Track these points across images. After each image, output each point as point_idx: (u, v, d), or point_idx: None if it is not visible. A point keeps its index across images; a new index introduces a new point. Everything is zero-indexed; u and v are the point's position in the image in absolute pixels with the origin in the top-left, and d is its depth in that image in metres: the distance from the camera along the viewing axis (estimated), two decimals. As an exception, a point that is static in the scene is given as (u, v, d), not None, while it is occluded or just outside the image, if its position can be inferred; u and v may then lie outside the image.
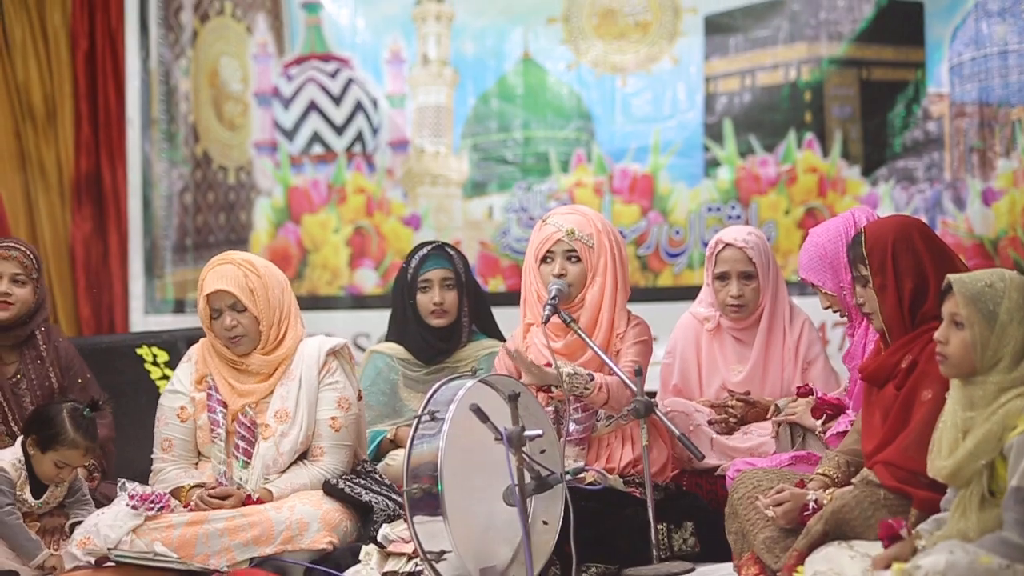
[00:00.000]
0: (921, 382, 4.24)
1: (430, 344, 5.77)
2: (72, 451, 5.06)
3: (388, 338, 5.94)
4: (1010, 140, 7.21)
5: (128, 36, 8.51)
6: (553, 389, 5.15)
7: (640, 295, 7.38)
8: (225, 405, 5.25)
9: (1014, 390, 3.79)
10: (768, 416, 5.31)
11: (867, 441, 4.40)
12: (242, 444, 5.21)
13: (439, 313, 5.73)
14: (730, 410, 5.40)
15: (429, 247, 5.83)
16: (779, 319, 5.53)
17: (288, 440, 5.20)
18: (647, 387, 5.07)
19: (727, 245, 5.50)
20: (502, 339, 5.82)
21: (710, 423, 5.38)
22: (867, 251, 4.38)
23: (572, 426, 5.27)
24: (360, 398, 5.38)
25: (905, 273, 4.33)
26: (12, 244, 5.59)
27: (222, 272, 5.25)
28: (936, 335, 3.91)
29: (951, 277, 3.90)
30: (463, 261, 5.83)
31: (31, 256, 5.56)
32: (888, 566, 3.86)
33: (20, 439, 5.16)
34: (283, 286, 5.34)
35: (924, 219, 7.07)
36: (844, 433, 4.79)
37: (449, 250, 5.84)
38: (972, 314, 3.83)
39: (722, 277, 5.54)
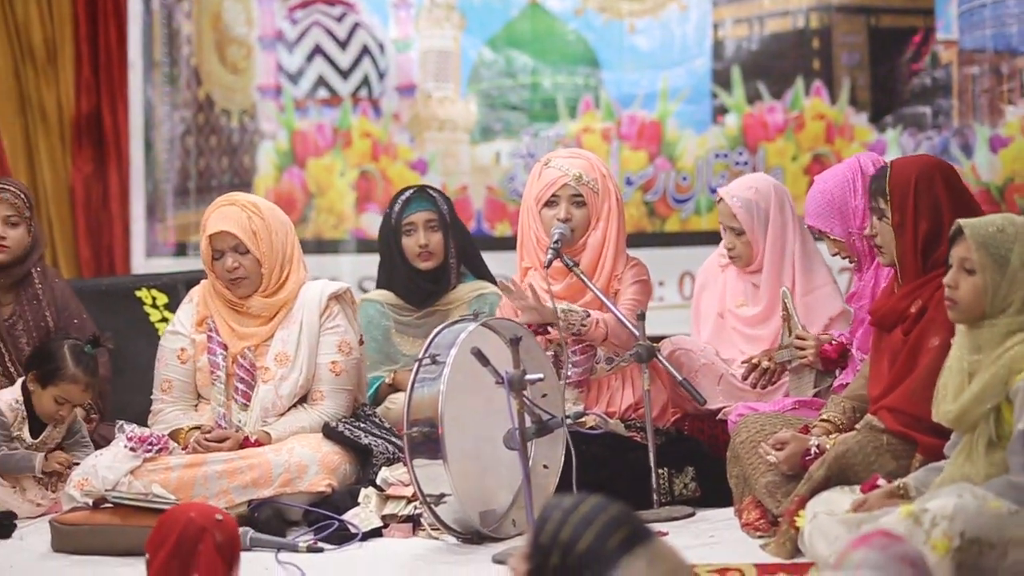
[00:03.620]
0: (929, 328, 4.22)
1: (419, 287, 5.74)
2: (72, 386, 5.07)
3: (378, 285, 5.92)
4: (1019, 87, 7.17)
5: (130, -23, 8.46)
6: (549, 330, 5.11)
7: (647, 240, 7.39)
8: (225, 347, 5.23)
9: (1021, 334, 3.75)
10: (772, 360, 5.26)
11: (873, 386, 4.38)
12: (241, 387, 5.18)
13: (425, 255, 5.69)
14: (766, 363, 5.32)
15: (411, 190, 5.80)
16: (785, 270, 5.46)
17: (288, 383, 5.18)
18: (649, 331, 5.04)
19: (720, 199, 5.47)
20: (492, 280, 5.79)
21: (744, 378, 5.32)
22: (890, 186, 4.35)
23: (571, 369, 5.24)
24: (361, 343, 5.35)
25: (923, 214, 4.30)
26: (2, 185, 5.55)
27: (225, 213, 5.22)
28: (946, 280, 3.86)
29: (961, 222, 3.85)
30: (447, 202, 5.80)
31: (22, 195, 5.52)
32: (864, 508, 3.85)
33: (21, 380, 5.16)
34: (287, 229, 5.31)
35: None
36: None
37: (432, 192, 5.81)
38: (983, 259, 3.78)
39: (722, 227, 5.53)
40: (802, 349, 5.09)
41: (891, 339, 4.37)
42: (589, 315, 5.13)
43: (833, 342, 5.02)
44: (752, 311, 5.49)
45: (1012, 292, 3.77)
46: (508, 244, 6.67)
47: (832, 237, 4.98)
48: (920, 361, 4.21)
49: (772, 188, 5.48)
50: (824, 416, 4.56)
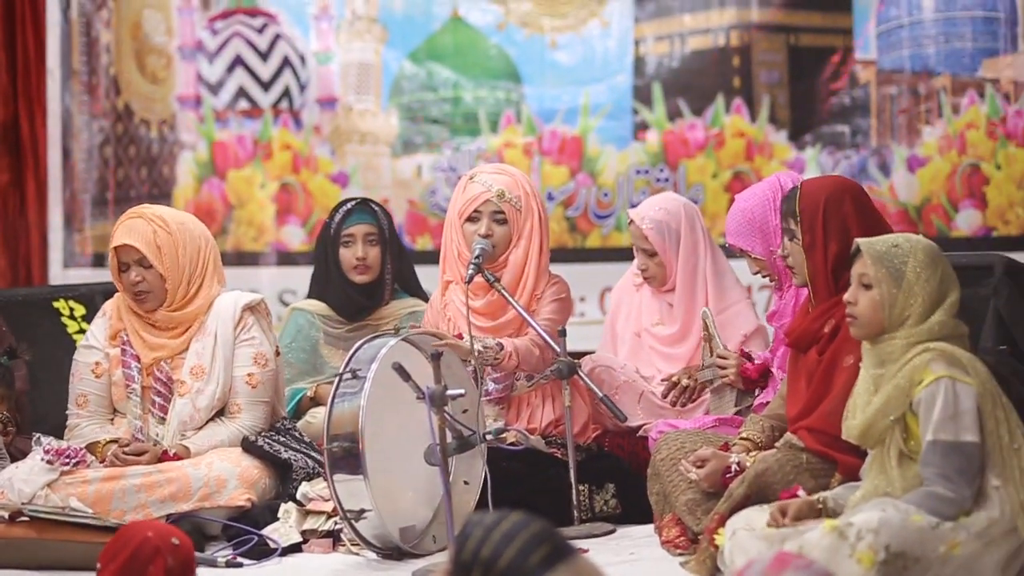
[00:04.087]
0: (843, 348, 4.26)
1: (352, 300, 5.72)
2: (-13, 399, 5.01)
3: (310, 295, 5.88)
4: (936, 108, 7.25)
5: (48, -14, 8.38)
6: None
7: (568, 256, 7.41)
8: (139, 360, 5.18)
9: (920, 345, 3.86)
10: (693, 378, 5.28)
11: (791, 406, 4.41)
12: (158, 400, 5.14)
13: (362, 269, 5.67)
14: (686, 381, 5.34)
15: (353, 202, 5.77)
16: (698, 289, 5.49)
17: (204, 396, 5.14)
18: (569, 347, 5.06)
19: (631, 221, 5.50)
20: (425, 298, 5.78)
21: (664, 396, 5.34)
22: (800, 208, 4.39)
23: (491, 385, 5.25)
24: (278, 354, 5.32)
25: (832, 235, 4.34)
26: None
27: (131, 226, 5.17)
28: (846, 296, 3.98)
29: (859, 240, 3.98)
30: (388, 218, 5.78)
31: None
32: (781, 524, 3.89)
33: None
34: (199, 244, 5.24)
35: (850, 185, 7.18)
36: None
37: (374, 206, 5.78)
38: (879, 273, 3.90)
39: (635, 249, 5.55)
40: (723, 368, 5.12)
41: (807, 359, 4.41)
42: (502, 347, 5.14)
43: (755, 361, 5.06)
44: (668, 330, 5.52)
45: (909, 305, 3.88)
46: (429, 258, 6.67)
47: (753, 256, 5.01)
48: (836, 380, 4.25)
49: (682, 208, 5.52)
50: (743, 435, 4.58)
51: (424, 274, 5.99)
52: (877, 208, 4.56)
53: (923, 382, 3.80)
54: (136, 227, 5.16)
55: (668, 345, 5.52)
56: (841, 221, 4.35)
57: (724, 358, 5.13)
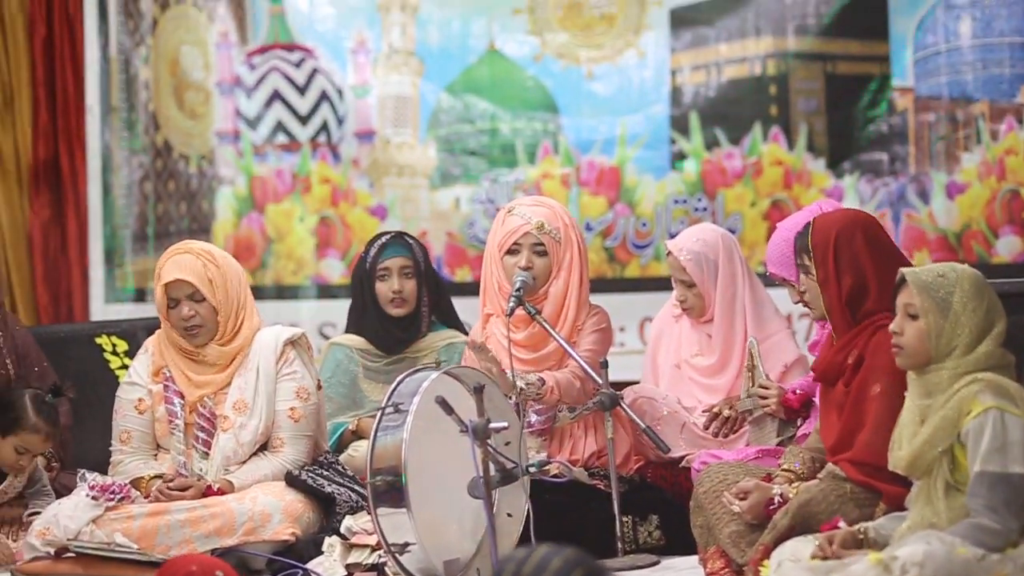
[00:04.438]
0: (869, 377, 4.26)
1: (390, 333, 5.73)
2: (33, 436, 5.03)
3: (347, 329, 5.89)
4: (975, 134, 7.23)
5: (87, 23, 8.42)
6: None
7: (607, 286, 7.40)
8: (182, 396, 5.21)
9: (968, 376, 3.83)
10: (734, 409, 5.28)
11: (826, 438, 4.42)
12: (201, 435, 5.16)
13: (398, 302, 5.69)
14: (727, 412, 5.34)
15: (388, 236, 5.79)
16: (737, 319, 5.48)
17: (247, 431, 5.16)
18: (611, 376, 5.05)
19: (669, 252, 5.50)
20: (462, 330, 5.80)
21: (706, 427, 5.34)
22: (812, 244, 4.40)
23: (533, 417, 5.26)
24: (319, 387, 5.34)
25: (845, 270, 4.35)
26: None
27: (180, 261, 5.21)
28: (891, 327, 3.95)
29: (904, 270, 3.95)
30: (423, 250, 5.80)
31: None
32: (829, 554, 3.87)
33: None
34: (240, 277, 5.31)
35: (888, 212, 7.19)
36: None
37: (408, 239, 5.80)
38: (926, 303, 3.87)
39: (673, 280, 5.55)
40: (764, 398, 5.11)
41: (835, 392, 4.40)
42: (544, 382, 5.14)
43: (797, 392, 5.05)
44: (707, 361, 5.51)
45: (956, 335, 3.85)
46: (468, 290, 6.68)
47: (795, 285, 5.00)
48: (866, 410, 4.24)
49: (720, 239, 5.51)
50: (785, 466, 4.57)
51: (463, 306, 6.00)
52: (891, 239, 4.55)
53: (971, 413, 3.78)
54: (186, 262, 5.19)
55: (707, 376, 5.51)
56: (853, 256, 4.35)
57: (765, 387, 5.12)
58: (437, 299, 5.82)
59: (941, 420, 3.82)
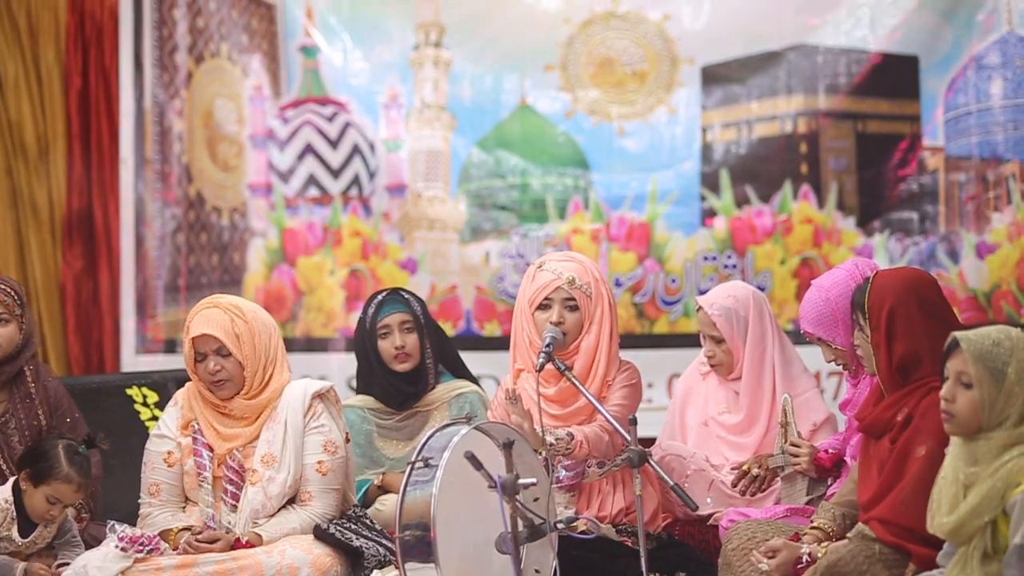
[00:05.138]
0: (916, 437, 4.23)
1: (398, 390, 5.77)
2: (65, 486, 5.04)
3: (357, 391, 5.93)
4: (1005, 194, 7.24)
5: (123, 75, 8.49)
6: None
7: (636, 342, 7.41)
8: (211, 449, 5.22)
9: (1018, 447, 3.77)
10: (763, 467, 5.27)
11: (862, 492, 4.39)
12: (230, 488, 5.17)
13: (402, 357, 5.73)
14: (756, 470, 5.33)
15: (384, 293, 5.85)
16: (765, 377, 5.48)
17: (276, 484, 5.16)
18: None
19: (699, 308, 5.51)
20: (470, 378, 5.83)
21: (734, 485, 5.33)
22: (868, 305, 4.39)
23: (562, 472, 5.26)
24: (348, 441, 5.35)
25: (899, 338, 4.33)
26: None
27: (208, 316, 5.23)
28: (942, 393, 3.88)
29: (958, 335, 3.87)
30: (420, 303, 5.84)
31: (13, 293, 5.48)
32: None
33: (12, 479, 5.14)
34: (270, 331, 5.31)
35: (918, 271, 7.17)
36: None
37: (405, 294, 5.85)
38: (980, 373, 3.80)
39: (702, 336, 5.55)
40: (796, 456, 5.10)
41: (879, 447, 4.39)
42: (573, 437, 5.15)
43: (829, 451, 5.04)
44: (734, 419, 5.51)
45: (1009, 406, 3.78)
46: (497, 344, 6.70)
47: (833, 345, 4.98)
48: (907, 469, 4.22)
49: (751, 296, 5.52)
50: (815, 523, 4.56)
51: (491, 360, 6.02)
52: (946, 303, 4.52)
53: (1020, 486, 3.71)
54: (213, 317, 5.21)
55: (735, 434, 5.50)
56: (908, 324, 4.33)
57: (797, 446, 5.12)
58: (441, 349, 5.85)
59: (989, 490, 3.76)
